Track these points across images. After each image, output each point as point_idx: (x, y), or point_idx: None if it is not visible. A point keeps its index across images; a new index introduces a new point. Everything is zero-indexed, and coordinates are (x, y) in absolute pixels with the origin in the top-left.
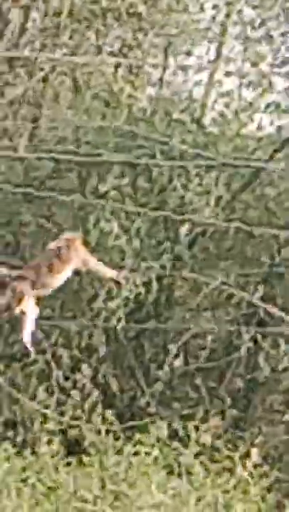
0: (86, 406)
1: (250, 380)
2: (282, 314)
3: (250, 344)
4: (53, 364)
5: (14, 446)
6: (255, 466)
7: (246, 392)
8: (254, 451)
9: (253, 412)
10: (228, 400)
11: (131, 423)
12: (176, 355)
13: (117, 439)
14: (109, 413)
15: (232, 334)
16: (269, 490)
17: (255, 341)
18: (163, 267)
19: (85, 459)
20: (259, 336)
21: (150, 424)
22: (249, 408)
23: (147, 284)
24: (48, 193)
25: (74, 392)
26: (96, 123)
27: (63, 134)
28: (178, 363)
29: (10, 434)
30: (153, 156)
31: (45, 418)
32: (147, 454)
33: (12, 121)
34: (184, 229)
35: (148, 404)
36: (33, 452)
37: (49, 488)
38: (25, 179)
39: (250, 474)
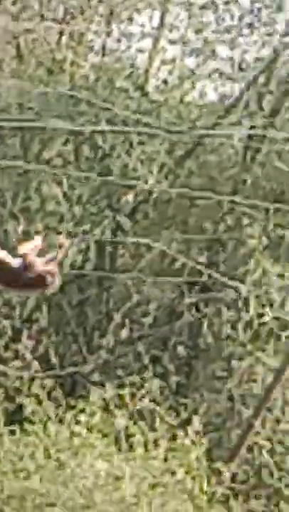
0: (27, 374)
1: (192, 347)
2: (225, 280)
3: (193, 311)
4: None
5: None
6: (196, 433)
7: (189, 360)
8: (196, 418)
9: (195, 379)
10: (171, 367)
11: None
12: (123, 325)
13: (58, 406)
14: (50, 382)
15: (174, 301)
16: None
17: (198, 309)
18: (103, 234)
19: (28, 427)
20: (202, 303)
21: (90, 392)
22: (191, 375)
23: (87, 251)
24: None
25: (15, 362)
26: (39, 90)
27: (6, 101)
28: (125, 333)
29: None
30: (96, 124)
31: None
32: (88, 422)
33: None
34: (129, 197)
35: (91, 372)
36: None
37: None
38: None
39: (191, 441)
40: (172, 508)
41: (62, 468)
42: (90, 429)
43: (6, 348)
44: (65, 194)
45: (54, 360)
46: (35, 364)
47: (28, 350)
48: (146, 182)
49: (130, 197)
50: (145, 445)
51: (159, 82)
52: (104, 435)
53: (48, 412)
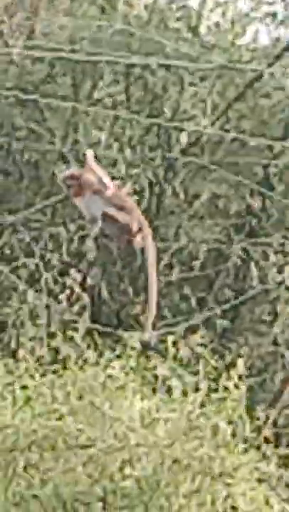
0: (75, 309)
1: (238, 290)
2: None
3: (241, 254)
4: (42, 267)
5: (2, 350)
6: (240, 377)
7: (234, 303)
8: (240, 361)
9: (241, 322)
10: (218, 310)
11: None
12: (171, 266)
13: (95, 349)
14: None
15: (222, 244)
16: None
17: (245, 251)
18: (155, 174)
19: (63, 367)
20: (249, 247)
21: (125, 335)
22: (237, 318)
23: (140, 193)
24: (41, 98)
25: (62, 296)
26: (92, 30)
27: (58, 40)
28: (174, 274)
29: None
30: (147, 65)
31: (33, 323)
32: (124, 366)
33: (8, 25)
34: (183, 136)
35: (137, 313)
36: (16, 358)
37: (28, 397)
38: (19, 83)
39: (235, 385)
40: (206, 453)
41: (95, 412)
42: (126, 373)
43: (55, 282)
44: (114, 135)
45: (105, 294)
46: (85, 296)
47: (77, 283)
48: (198, 123)
49: (184, 135)
50: (184, 391)
51: (212, 24)
52: (141, 379)
53: (84, 356)
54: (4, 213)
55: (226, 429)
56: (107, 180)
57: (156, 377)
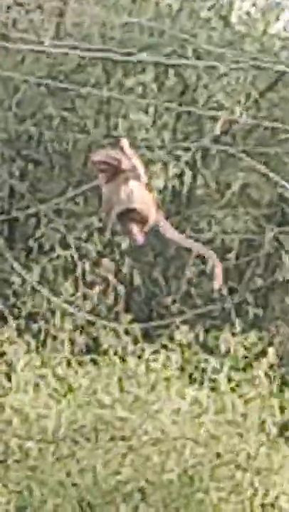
0: (108, 300)
1: (269, 279)
2: None
3: (273, 243)
4: (76, 258)
5: (36, 339)
6: (271, 366)
7: (265, 292)
8: (271, 350)
9: (272, 311)
10: (250, 299)
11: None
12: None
13: (136, 342)
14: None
15: (253, 233)
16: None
17: (277, 241)
18: (193, 160)
19: (103, 358)
20: (281, 236)
21: (172, 328)
22: (268, 308)
23: (179, 177)
24: (72, 87)
25: (97, 287)
26: (123, 19)
27: (89, 30)
28: (208, 265)
29: (33, 327)
30: (180, 54)
31: (64, 313)
32: (168, 358)
33: (38, 14)
34: (218, 124)
35: (171, 303)
36: (52, 347)
37: (68, 387)
38: (51, 72)
39: (265, 375)
40: (248, 449)
41: (137, 403)
42: (166, 366)
43: (91, 272)
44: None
45: (138, 281)
46: (121, 287)
47: (111, 273)
48: (232, 112)
49: (220, 123)
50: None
51: (243, 13)
52: (186, 372)
53: (125, 348)
54: (36, 202)
55: (270, 425)
56: (142, 171)
57: (202, 370)
